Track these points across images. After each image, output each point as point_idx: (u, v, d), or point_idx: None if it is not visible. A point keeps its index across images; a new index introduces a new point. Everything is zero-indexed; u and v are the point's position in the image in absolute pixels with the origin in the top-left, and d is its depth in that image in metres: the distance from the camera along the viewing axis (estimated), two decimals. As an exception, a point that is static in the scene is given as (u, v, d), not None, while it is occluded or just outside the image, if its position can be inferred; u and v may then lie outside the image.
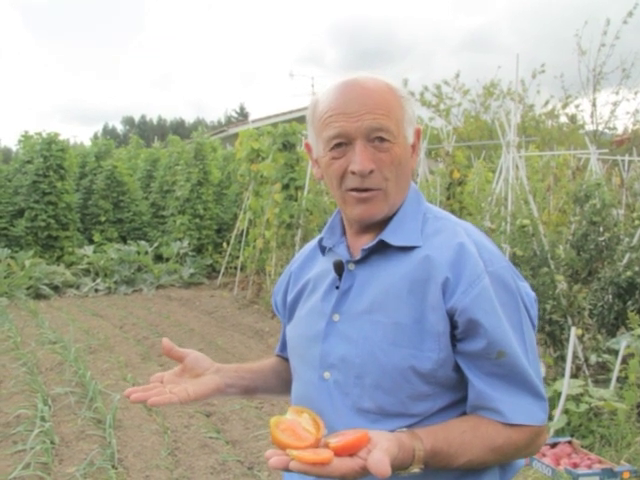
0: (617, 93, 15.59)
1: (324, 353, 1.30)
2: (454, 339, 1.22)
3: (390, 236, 1.29)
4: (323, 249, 1.43)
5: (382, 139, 1.25)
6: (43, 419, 4.57)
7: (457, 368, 1.24)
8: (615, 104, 15.81)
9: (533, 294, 1.32)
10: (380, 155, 1.25)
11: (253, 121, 16.50)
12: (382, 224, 1.32)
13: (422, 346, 1.21)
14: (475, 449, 1.19)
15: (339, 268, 1.33)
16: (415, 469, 1.14)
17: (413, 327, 1.21)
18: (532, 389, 1.23)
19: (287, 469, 1.03)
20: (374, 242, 1.29)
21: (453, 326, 1.22)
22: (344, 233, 1.39)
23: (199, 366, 1.39)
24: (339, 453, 1.05)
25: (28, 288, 10.38)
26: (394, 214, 1.32)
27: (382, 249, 1.30)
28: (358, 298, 1.29)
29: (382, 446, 1.05)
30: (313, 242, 1.51)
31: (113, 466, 3.97)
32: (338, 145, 1.26)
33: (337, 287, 1.33)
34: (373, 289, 1.28)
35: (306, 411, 1.19)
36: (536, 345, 1.30)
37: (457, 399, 1.26)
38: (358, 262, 1.32)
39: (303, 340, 1.38)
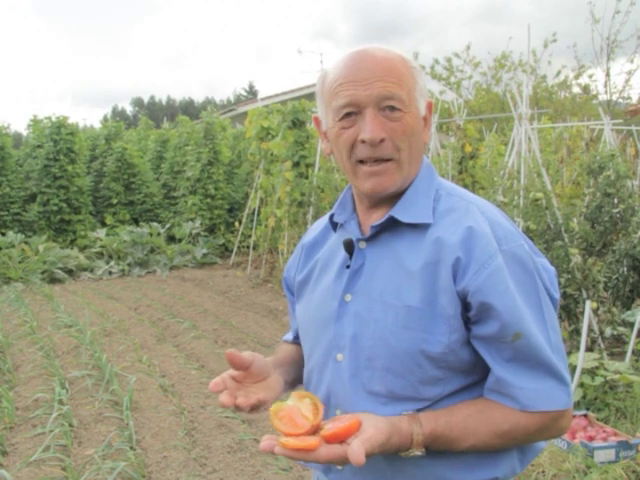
0: (632, 61, 15.31)
1: (337, 335, 1.28)
2: (468, 322, 1.19)
3: (400, 212, 1.25)
4: (334, 225, 1.40)
5: (393, 108, 1.22)
6: (61, 402, 4.62)
7: (469, 352, 1.21)
8: (630, 73, 15.54)
9: (553, 269, 1.28)
10: (391, 124, 1.22)
11: (262, 99, 16.41)
12: (393, 200, 1.28)
13: (433, 329, 1.18)
14: (479, 434, 1.18)
15: (349, 247, 1.30)
16: (416, 452, 1.16)
17: (424, 310, 1.19)
18: (553, 372, 1.18)
19: (273, 453, 1.07)
20: (383, 219, 1.26)
21: (466, 308, 1.19)
22: (355, 209, 1.36)
23: (264, 371, 1.31)
24: (330, 440, 1.09)
25: (43, 272, 10.46)
26: (405, 190, 1.28)
27: (393, 226, 1.26)
28: (370, 278, 1.27)
29: (365, 435, 1.08)
30: (325, 218, 1.47)
31: (131, 447, 4.01)
32: (348, 114, 1.24)
33: (348, 266, 1.31)
34: (385, 269, 1.25)
35: (308, 396, 1.20)
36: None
37: (468, 383, 1.23)
38: (369, 240, 1.29)
39: (316, 322, 1.36)
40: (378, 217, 1.29)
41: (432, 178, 1.32)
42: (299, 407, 1.16)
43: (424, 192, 1.28)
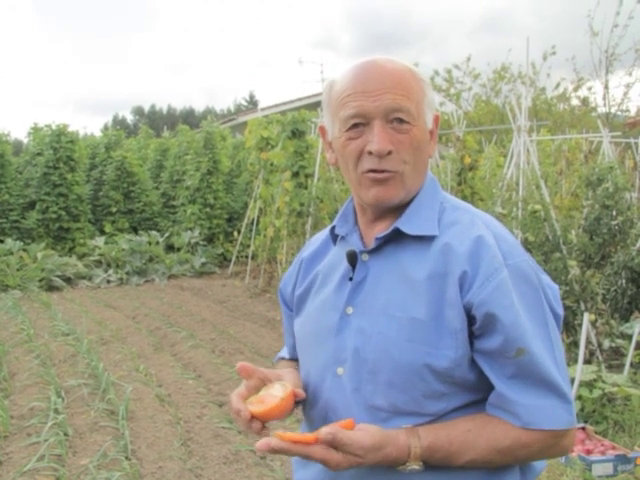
0: (630, 74, 15.39)
1: (338, 348, 1.26)
2: (472, 336, 1.18)
3: (406, 224, 1.24)
4: (335, 238, 1.38)
5: (401, 120, 1.21)
6: (56, 411, 4.60)
7: (476, 368, 1.19)
8: (628, 86, 15.62)
9: (556, 286, 1.27)
10: (399, 137, 1.21)
11: (262, 109, 16.42)
12: (396, 212, 1.27)
13: (439, 343, 1.16)
14: (479, 449, 1.16)
15: (352, 258, 1.28)
16: (413, 466, 1.14)
17: (430, 323, 1.17)
18: (557, 390, 1.16)
19: (270, 447, 1.09)
20: (388, 231, 1.24)
21: (470, 322, 1.17)
22: (357, 222, 1.34)
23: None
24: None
25: (40, 280, 10.44)
26: (409, 202, 1.27)
27: (397, 238, 1.25)
28: (373, 290, 1.25)
29: (352, 436, 1.10)
30: (325, 232, 1.46)
31: (126, 457, 3.98)
32: (355, 125, 1.22)
33: (350, 278, 1.29)
34: (388, 281, 1.23)
35: (277, 383, 1.25)
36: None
37: (474, 400, 1.21)
38: (372, 252, 1.27)
39: (314, 335, 1.33)
40: (381, 229, 1.27)
41: (436, 191, 1.31)
42: (269, 393, 1.22)
43: (429, 204, 1.27)
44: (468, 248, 1.18)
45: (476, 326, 1.17)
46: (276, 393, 1.19)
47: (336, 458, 1.09)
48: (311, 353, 1.34)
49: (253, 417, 1.16)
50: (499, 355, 1.16)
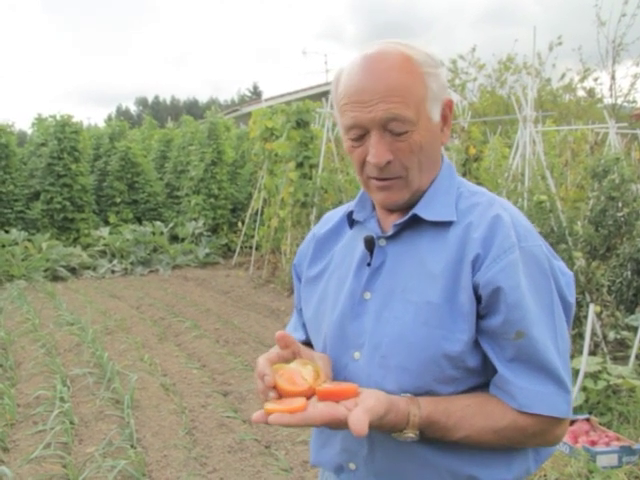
0: (638, 65, 15.26)
1: (355, 333, 1.26)
2: (478, 317, 1.18)
3: (423, 210, 1.24)
4: (351, 222, 1.38)
5: (399, 128, 1.20)
6: (62, 400, 4.62)
7: (479, 352, 1.20)
8: (635, 76, 15.50)
9: (570, 273, 1.26)
10: (398, 144, 1.20)
11: (266, 100, 16.39)
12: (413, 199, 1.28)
13: (453, 327, 1.17)
14: (475, 426, 1.17)
15: (370, 244, 1.29)
16: (410, 434, 1.15)
17: (444, 307, 1.18)
18: (556, 378, 1.17)
19: (267, 423, 1.08)
20: (406, 217, 1.25)
21: (478, 301, 1.17)
22: (374, 207, 1.35)
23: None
24: (323, 398, 1.11)
25: (45, 270, 10.46)
26: (427, 189, 1.27)
27: (415, 224, 1.25)
28: (390, 276, 1.25)
29: (367, 405, 1.08)
30: (340, 212, 1.45)
31: (132, 446, 4.00)
32: (355, 134, 1.23)
33: (368, 264, 1.29)
34: (406, 267, 1.24)
35: (311, 364, 1.20)
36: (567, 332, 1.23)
37: (482, 383, 1.22)
38: (389, 238, 1.28)
39: (331, 319, 1.33)
40: (398, 215, 1.28)
41: (452, 177, 1.31)
42: (300, 370, 1.17)
43: (446, 190, 1.28)
44: (484, 230, 1.18)
45: (482, 305, 1.17)
46: (307, 377, 1.17)
47: (339, 419, 1.07)
48: (327, 337, 1.33)
49: (275, 387, 1.14)
50: (499, 336, 1.17)
